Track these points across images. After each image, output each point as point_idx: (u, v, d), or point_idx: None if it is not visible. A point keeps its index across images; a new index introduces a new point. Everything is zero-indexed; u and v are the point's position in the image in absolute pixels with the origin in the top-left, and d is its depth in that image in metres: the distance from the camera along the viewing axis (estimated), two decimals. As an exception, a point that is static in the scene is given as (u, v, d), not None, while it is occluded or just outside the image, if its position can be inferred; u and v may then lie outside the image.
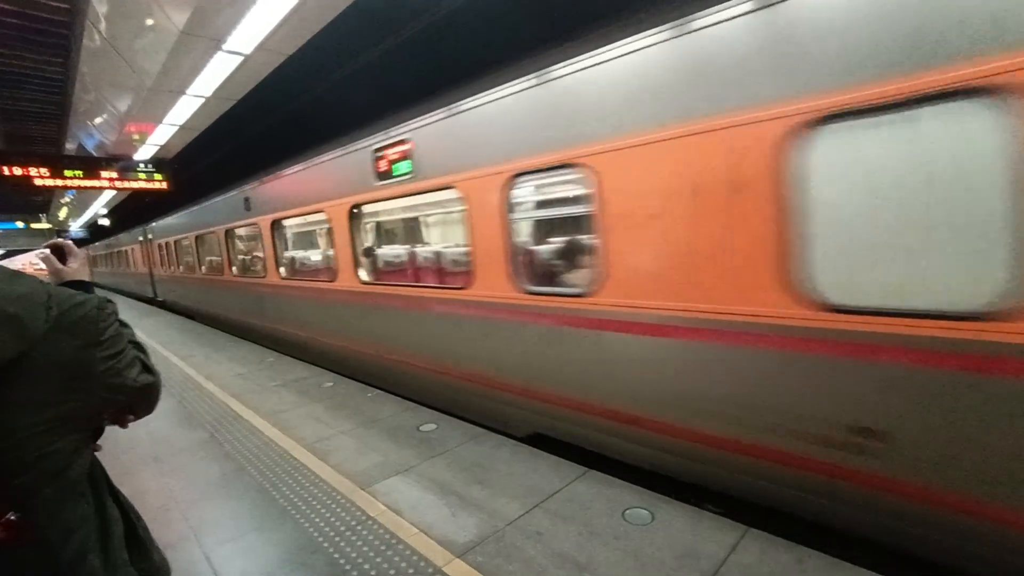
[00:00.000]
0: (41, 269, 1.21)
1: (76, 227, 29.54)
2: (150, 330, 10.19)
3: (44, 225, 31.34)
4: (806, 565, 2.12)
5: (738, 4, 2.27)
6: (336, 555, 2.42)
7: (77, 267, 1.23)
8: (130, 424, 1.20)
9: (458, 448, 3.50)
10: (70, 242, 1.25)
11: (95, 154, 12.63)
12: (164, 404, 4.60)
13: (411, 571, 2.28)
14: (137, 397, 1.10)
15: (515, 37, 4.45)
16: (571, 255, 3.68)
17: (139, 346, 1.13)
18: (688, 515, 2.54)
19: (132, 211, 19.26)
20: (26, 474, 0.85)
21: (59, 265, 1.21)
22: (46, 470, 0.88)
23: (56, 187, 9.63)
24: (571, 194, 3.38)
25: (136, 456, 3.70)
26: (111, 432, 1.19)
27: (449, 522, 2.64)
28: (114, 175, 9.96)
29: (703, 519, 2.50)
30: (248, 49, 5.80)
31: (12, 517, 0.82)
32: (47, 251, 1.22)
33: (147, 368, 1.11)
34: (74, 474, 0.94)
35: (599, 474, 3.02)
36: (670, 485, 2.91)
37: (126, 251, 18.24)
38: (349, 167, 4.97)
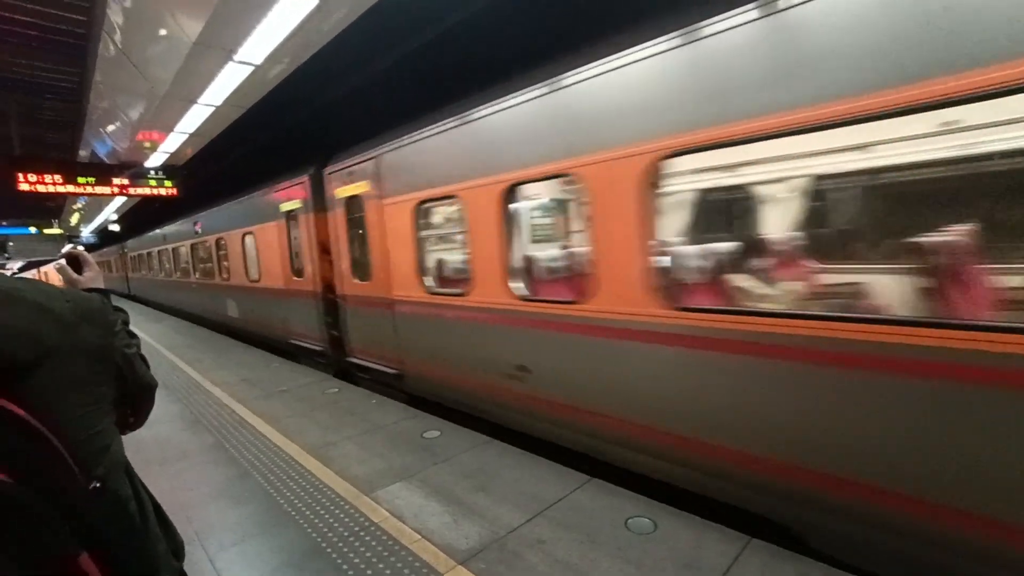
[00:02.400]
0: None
1: (87, 232, 29.89)
2: (157, 335, 10.29)
3: (56, 230, 31.77)
4: (809, 577, 2.11)
5: None
6: (339, 560, 2.44)
7: (93, 275, 1.29)
8: (138, 427, 1.25)
9: (461, 455, 3.50)
10: (85, 252, 1.30)
11: (107, 161, 12.83)
12: (171, 408, 4.64)
13: (413, 577, 2.28)
14: (144, 395, 1.19)
15: (524, 47, 4.50)
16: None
17: (143, 358, 1.20)
18: (691, 525, 2.53)
19: (144, 217, 19.35)
20: (84, 450, 0.92)
21: (74, 275, 1.27)
22: (97, 448, 0.95)
23: (69, 193, 9.79)
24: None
25: (142, 459, 3.73)
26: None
27: (451, 529, 2.64)
28: (125, 182, 10.12)
29: (706, 529, 2.49)
30: (259, 59, 5.90)
31: (98, 485, 0.90)
32: (63, 262, 1.26)
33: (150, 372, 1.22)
34: (117, 454, 1.02)
35: (602, 483, 3.02)
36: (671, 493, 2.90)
37: (216, 244, 9.70)
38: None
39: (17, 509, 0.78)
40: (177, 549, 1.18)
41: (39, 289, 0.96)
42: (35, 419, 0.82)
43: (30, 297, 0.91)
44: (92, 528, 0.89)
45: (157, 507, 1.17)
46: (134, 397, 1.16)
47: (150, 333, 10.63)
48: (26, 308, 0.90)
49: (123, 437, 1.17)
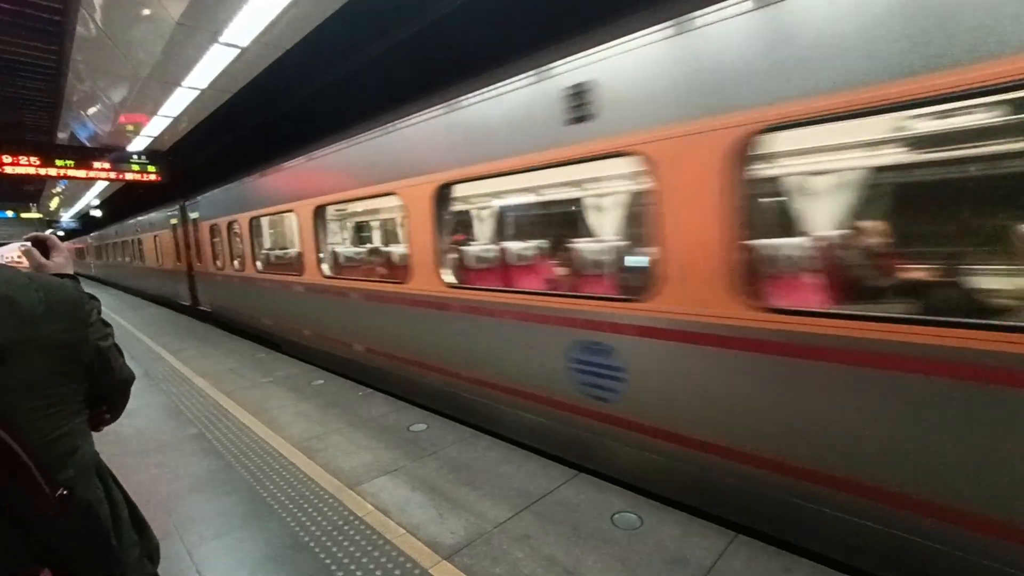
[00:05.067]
0: (17, 262, 1.17)
1: (67, 217, 29.16)
2: (139, 324, 10.09)
3: (35, 215, 30.99)
4: (794, 573, 2.12)
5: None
6: (322, 554, 2.40)
7: (61, 261, 1.21)
8: (114, 421, 1.19)
9: (448, 449, 3.48)
10: (53, 235, 1.23)
11: (88, 144, 12.48)
12: (153, 399, 4.54)
13: (397, 572, 2.26)
14: (121, 388, 1.13)
15: (515, 35, 4.43)
16: None
17: (118, 348, 1.14)
18: (677, 520, 2.54)
19: (127, 203, 18.81)
20: (48, 454, 0.87)
21: (42, 259, 1.19)
22: (62, 451, 0.90)
23: (47, 176, 9.52)
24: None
25: (121, 450, 3.66)
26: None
27: (437, 523, 2.62)
28: (107, 166, 9.85)
29: (692, 525, 2.50)
30: (245, 42, 5.74)
31: (65, 492, 0.86)
32: (29, 244, 1.19)
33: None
34: (86, 456, 0.97)
35: (588, 477, 3.01)
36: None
37: None
38: None
39: None
40: (152, 553, 1.13)
41: (7, 279, 0.89)
42: None
43: None
44: (58, 539, 0.84)
45: (132, 508, 1.12)
46: (110, 394, 1.10)
47: (131, 321, 10.42)
48: None
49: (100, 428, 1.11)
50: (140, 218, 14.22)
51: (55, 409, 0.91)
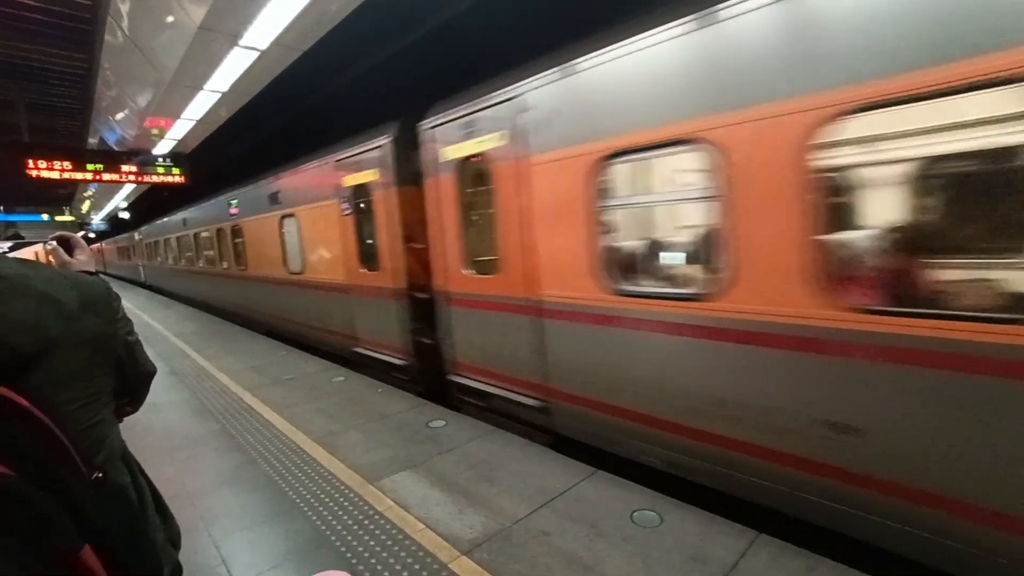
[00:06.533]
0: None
1: (97, 220, 30.17)
2: (165, 321, 10.39)
3: (68, 218, 32.12)
4: (816, 573, 2.08)
5: None
6: (343, 549, 2.44)
7: (84, 259, 1.28)
8: (140, 415, 1.24)
9: (467, 445, 3.49)
10: (76, 235, 1.30)
11: (116, 148, 12.87)
12: (178, 395, 4.65)
13: (417, 567, 2.28)
14: (144, 381, 1.19)
15: (532, 35, 4.40)
16: None
17: (139, 342, 1.19)
18: (698, 519, 2.50)
19: (149, 204, 19.34)
20: (83, 441, 0.91)
21: (67, 257, 1.25)
22: (95, 438, 0.95)
23: (79, 180, 9.84)
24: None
25: (148, 446, 3.77)
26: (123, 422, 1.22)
27: (456, 519, 2.63)
28: (133, 169, 10.15)
29: (713, 523, 2.46)
30: (264, 44, 5.83)
31: (100, 475, 0.90)
32: (54, 243, 1.25)
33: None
34: (115, 444, 1.02)
35: (608, 475, 2.99)
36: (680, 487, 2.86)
37: None
38: None
39: (18, 504, 0.75)
40: (175, 539, 1.17)
41: (46, 277, 0.94)
42: (38, 411, 0.80)
43: (38, 287, 0.90)
44: (94, 520, 0.87)
45: (156, 495, 1.16)
46: (134, 386, 1.15)
47: (158, 319, 10.74)
48: (34, 299, 0.88)
49: (128, 422, 1.17)
50: (252, 188, 8.12)
51: (92, 399, 0.96)
